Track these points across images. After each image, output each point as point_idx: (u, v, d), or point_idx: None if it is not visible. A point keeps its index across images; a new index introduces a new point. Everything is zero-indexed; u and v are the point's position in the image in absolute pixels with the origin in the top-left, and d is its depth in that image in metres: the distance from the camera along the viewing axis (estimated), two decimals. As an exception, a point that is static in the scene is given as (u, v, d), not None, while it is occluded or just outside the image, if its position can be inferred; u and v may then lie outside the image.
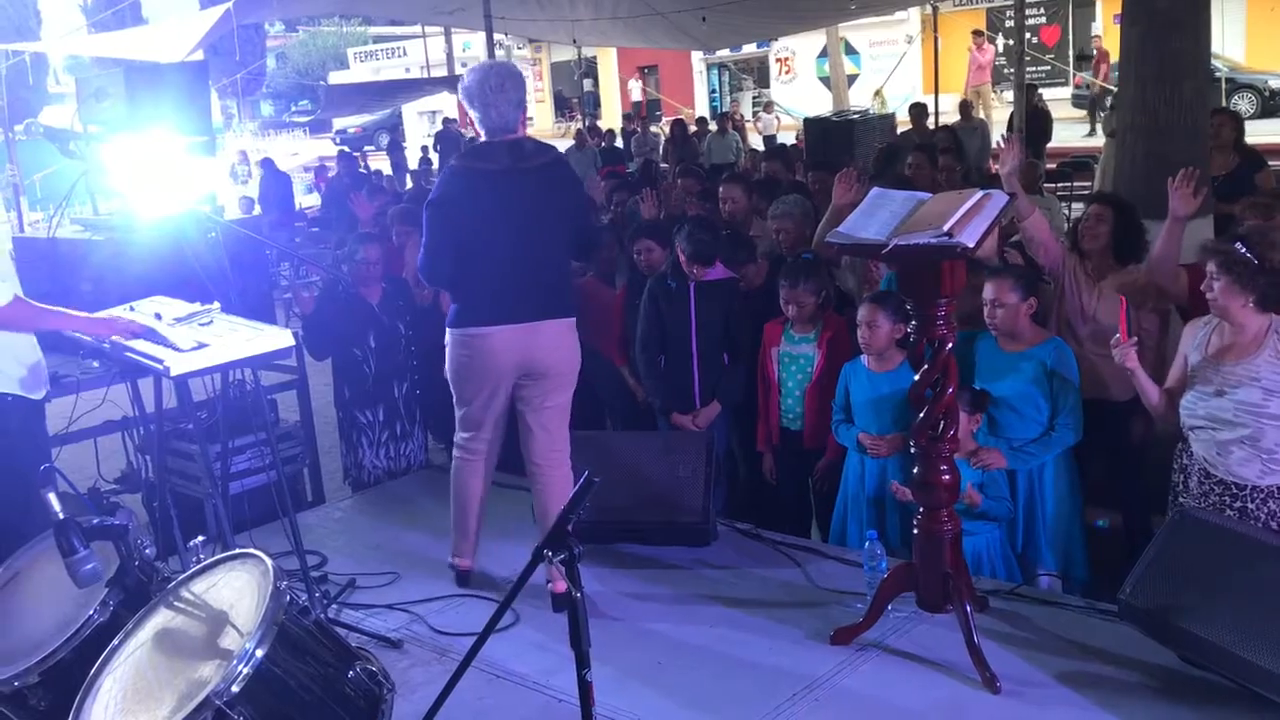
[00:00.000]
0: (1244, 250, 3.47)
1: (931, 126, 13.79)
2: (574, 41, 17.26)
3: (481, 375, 4.07)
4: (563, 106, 36.50)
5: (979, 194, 3.31)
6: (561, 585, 4.15)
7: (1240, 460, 3.57)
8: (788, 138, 17.83)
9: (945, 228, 3.17)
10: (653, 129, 19.24)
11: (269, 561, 2.27)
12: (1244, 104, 20.45)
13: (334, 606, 4.23)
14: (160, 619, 2.31)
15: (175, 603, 2.33)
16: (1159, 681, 3.34)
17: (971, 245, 3.20)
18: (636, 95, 31.67)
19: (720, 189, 6.41)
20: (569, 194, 4.10)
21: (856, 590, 3.93)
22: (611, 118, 26.94)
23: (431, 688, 3.15)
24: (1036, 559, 4.24)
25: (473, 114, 4.01)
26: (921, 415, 3.49)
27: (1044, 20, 27.57)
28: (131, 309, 4.02)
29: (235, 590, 2.25)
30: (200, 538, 2.65)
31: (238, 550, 2.39)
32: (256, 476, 5.08)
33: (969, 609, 3.48)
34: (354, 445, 5.63)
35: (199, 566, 2.41)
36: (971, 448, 4.18)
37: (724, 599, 4.09)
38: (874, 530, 3.97)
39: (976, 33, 20.91)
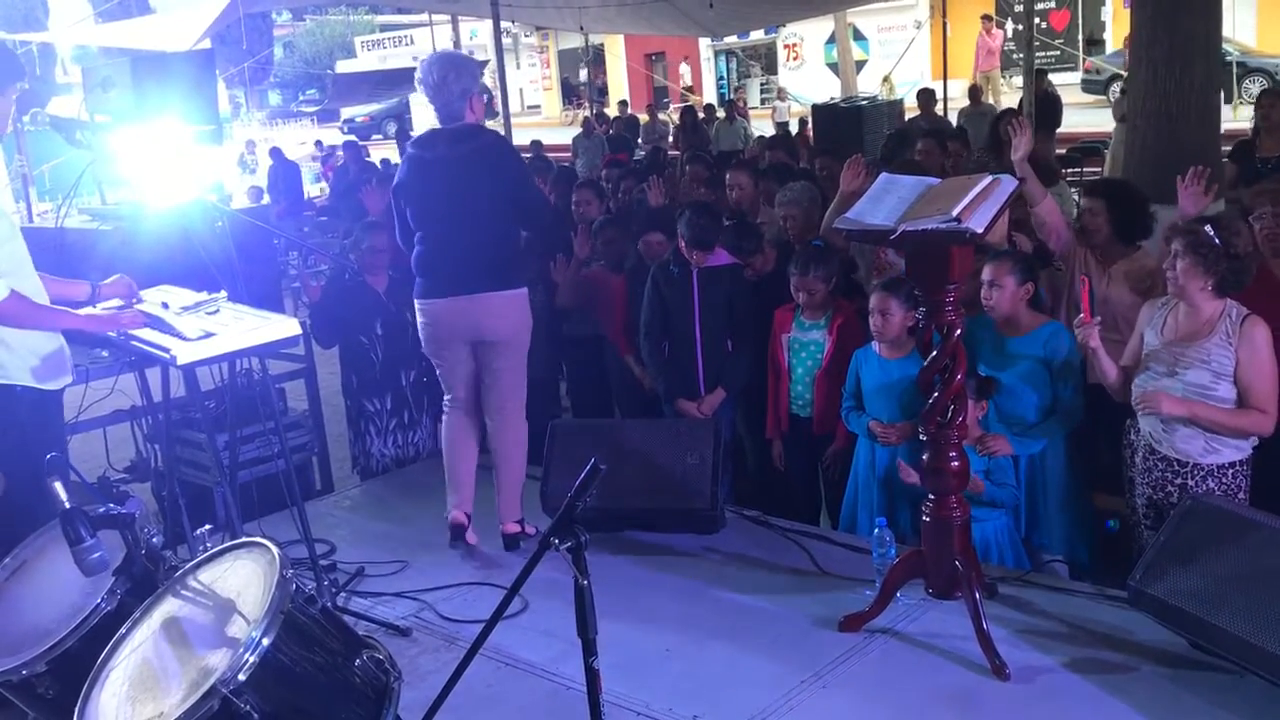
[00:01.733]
0: (1211, 234, 3.48)
1: (940, 112, 13.73)
2: (580, 29, 17.20)
3: (438, 342, 4.52)
4: (570, 94, 36.43)
5: (988, 179, 3.29)
6: (511, 527, 4.44)
7: (1185, 437, 3.65)
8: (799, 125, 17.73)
9: (954, 212, 3.15)
10: (660, 116, 19.18)
11: (275, 550, 2.26)
12: (1255, 88, 20.27)
13: (342, 595, 4.23)
14: (167, 608, 2.31)
15: (182, 591, 2.33)
16: (1168, 668, 3.33)
17: (981, 230, 3.18)
18: (688, 80, 31.77)
19: (727, 176, 6.39)
20: (500, 173, 4.31)
21: (865, 577, 3.93)
22: (617, 105, 26.83)
23: (440, 675, 3.15)
24: (1041, 543, 4.22)
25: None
26: (930, 401, 3.47)
27: (1053, 5, 27.39)
28: (139, 298, 4.02)
29: (242, 579, 2.25)
30: (207, 526, 2.65)
31: (244, 539, 2.39)
32: (264, 465, 5.09)
33: (978, 596, 3.47)
34: (362, 433, 5.63)
35: (205, 555, 2.40)
36: (977, 434, 4.16)
37: (732, 586, 4.09)
38: (883, 517, 3.96)
39: (985, 17, 20.79)
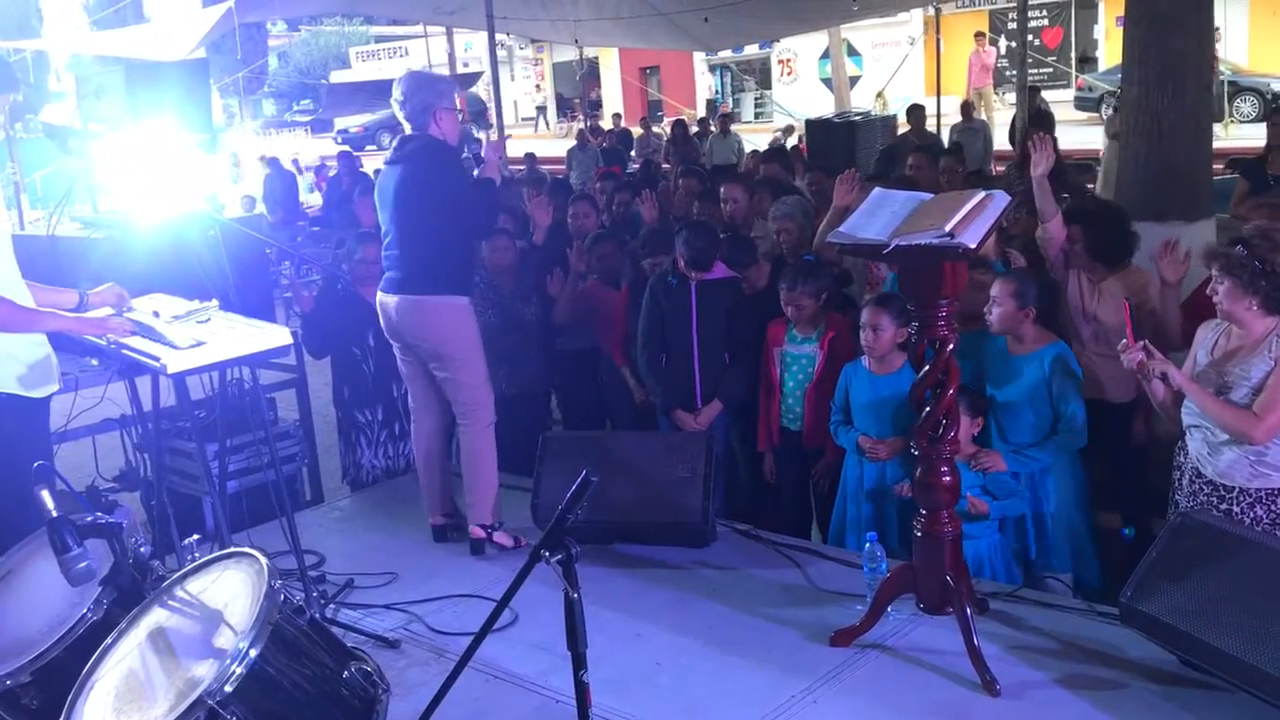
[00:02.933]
0: (1245, 253, 3.44)
1: (932, 127, 13.78)
2: (575, 42, 17.24)
3: (388, 339, 4.72)
4: (565, 107, 36.48)
5: (981, 194, 3.30)
6: (477, 531, 4.49)
7: (1230, 461, 3.55)
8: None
9: (947, 228, 3.15)
10: (654, 130, 19.21)
11: (264, 560, 2.25)
12: (1246, 107, 20.44)
13: (332, 606, 4.21)
14: (154, 618, 2.29)
15: (169, 602, 2.31)
16: (1159, 685, 3.32)
17: (973, 246, 3.18)
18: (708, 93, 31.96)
19: (721, 190, 6.39)
20: (431, 181, 4.38)
21: (856, 592, 3.92)
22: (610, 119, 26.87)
23: (429, 688, 3.13)
24: (1046, 563, 4.22)
25: None
26: (922, 416, 3.47)
27: (1046, 22, 27.55)
28: (130, 307, 4.00)
29: (230, 589, 2.23)
30: (195, 536, 2.63)
31: (232, 549, 2.37)
32: (254, 475, 5.07)
33: (969, 611, 3.47)
34: (352, 444, 5.62)
35: (193, 565, 2.39)
36: (971, 451, 4.16)
37: (723, 600, 4.07)
38: (874, 532, 3.95)
39: (979, 34, 20.89)
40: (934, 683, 3.44)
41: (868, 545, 3.84)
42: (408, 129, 4.50)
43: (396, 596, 4.26)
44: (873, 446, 4.32)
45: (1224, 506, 3.57)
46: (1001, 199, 3.35)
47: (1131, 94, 5.93)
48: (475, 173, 4.82)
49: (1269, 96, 21.28)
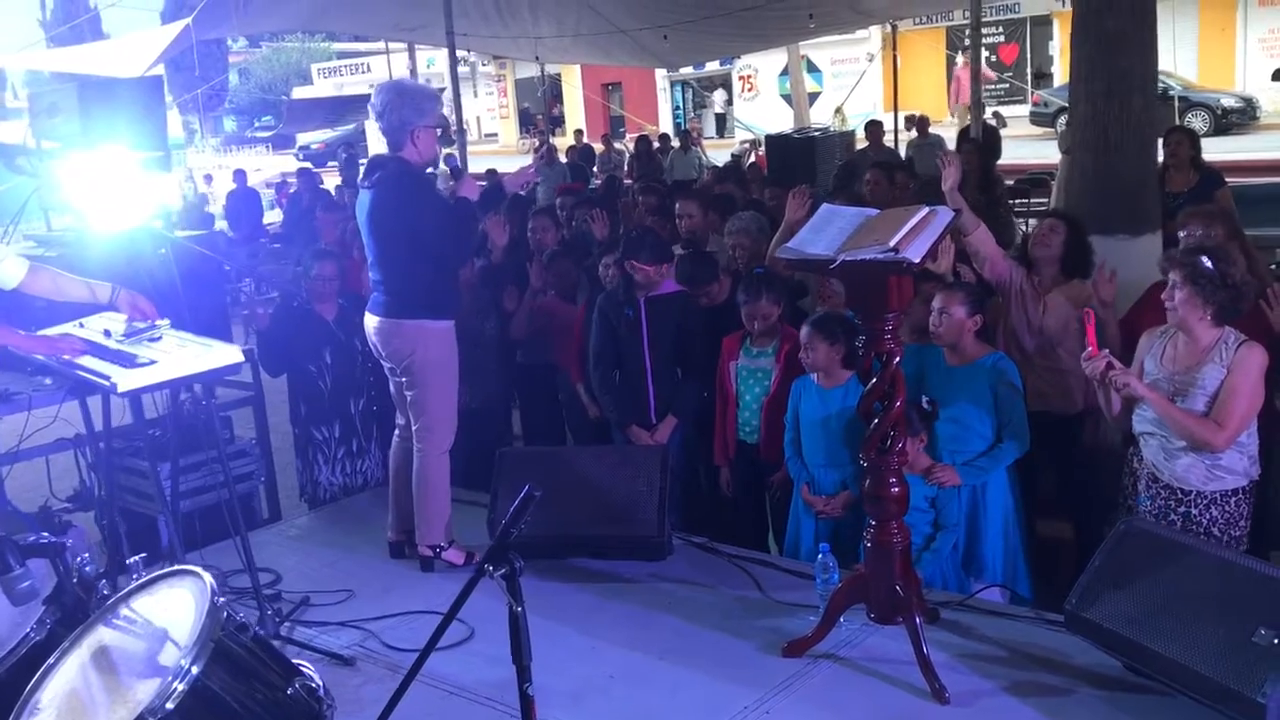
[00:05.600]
0: (1208, 263, 3.53)
1: (890, 143, 13.94)
2: (536, 58, 17.29)
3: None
4: (527, 123, 36.54)
5: (924, 210, 3.36)
6: (424, 550, 4.54)
7: (1186, 466, 3.66)
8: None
9: (891, 243, 3.21)
10: (617, 145, 19.28)
11: (207, 577, 2.25)
12: (1197, 122, 20.82)
13: (287, 624, 4.20)
14: (98, 637, 2.29)
15: (113, 620, 2.30)
16: (1104, 690, 3.38)
17: (917, 260, 3.24)
18: (719, 108, 32.01)
19: (677, 205, 6.44)
20: (404, 210, 4.36)
21: (810, 603, 3.95)
22: (574, 135, 26.93)
23: (383, 705, 3.13)
24: (980, 572, 4.27)
25: None
26: (871, 428, 3.52)
27: (1002, 39, 27.94)
28: (81, 325, 3.99)
29: (174, 607, 2.23)
30: (141, 555, 2.63)
31: (178, 566, 2.37)
32: (209, 494, 5.04)
33: (919, 620, 3.51)
34: (310, 462, 5.60)
35: (138, 583, 2.38)
36: (926, 464, 4.21)
37: (678, 612, 4.09)
38: (826, 543, 3.99)
39: (965, 50, 21.17)
40: (884, 691, 3.48)
41: (820, 556, 3.88)
42: (383, 144, 4.46)
43: (352, 614, 4.26)
44: (826, 505, 4.39)
45: (1182, 509, 3.69)
46: (945, 215, 3.42)
47: (1078, 110, 6.04)
48: (450, 185, 4.81)
49: (1218, 111, 21.74)
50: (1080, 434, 4.80)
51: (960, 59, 10.28)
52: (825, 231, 3.45)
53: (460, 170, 4.90)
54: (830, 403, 4.39)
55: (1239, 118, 21.92)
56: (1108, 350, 3.69)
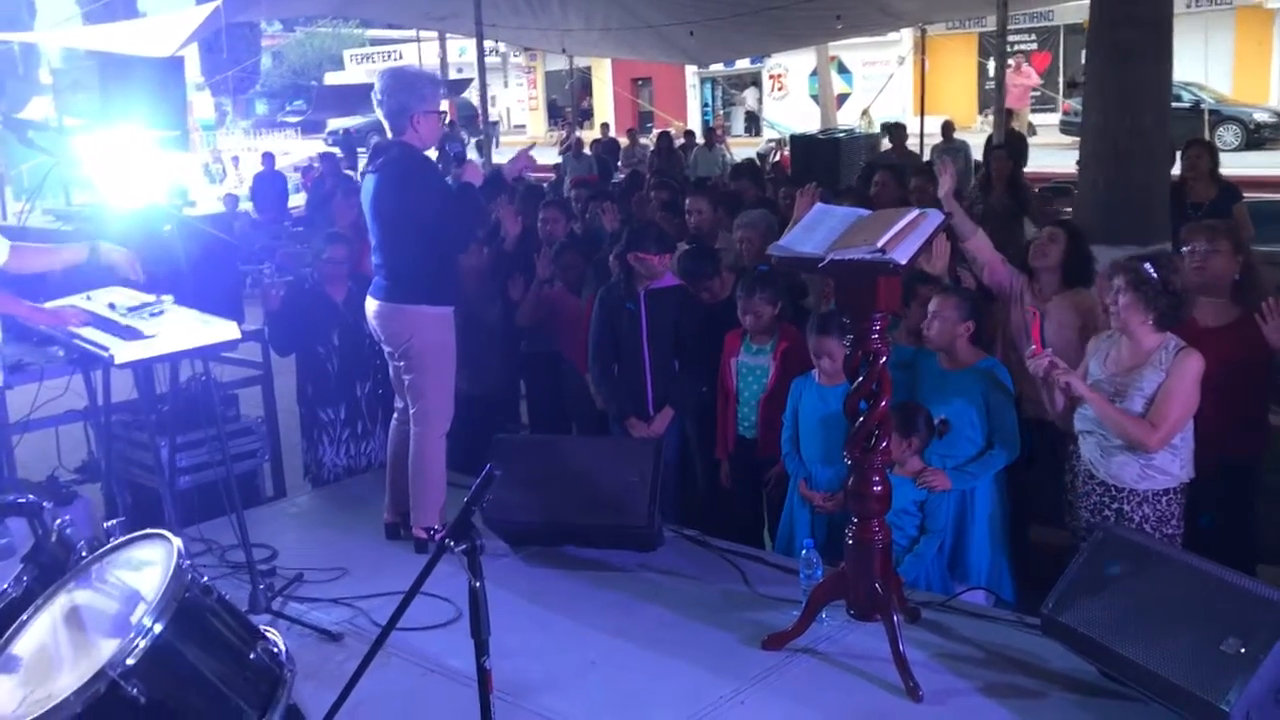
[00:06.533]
0: (1151, 270, 3.63)
1: (916, 146, 13.91)
2: (564, 50, 17.35)
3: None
4: (556, 115, 36.62)
5: (914, 212, 3.39)
6: (418, 533, 4.59)
7: (1121, 464, 3.80)
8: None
9: (879, 244, 3.25)
10: (642, 140, 19.31)
11: (176, 541, 2.32)
12: (1229, 135, 20.68)
13: (279, 599, 4.27)
14: (71, 596, 2.36)
15: (88, 580, 2.38)
16: (1077, 694, 3.41)
17: (904, 262, 3.27)
18: (750, 104, 32.05)
19: (687, 201, 6.48)
20: (406, 195, 4.42)
21: (795, 598, 3.98)
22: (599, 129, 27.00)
23: (367, 680, 3.20)
24: (965, 576, 4.30)
25: None
26: (855, 426, 3.56)
27: (1035, 47, 27.78)
28: (89, 298, 4.07)
29: (146, 568, 2.30)
30: (117, 519, 2.70)
31: (149, 530, 2.44)
32: (211, 470, 5.12)
33: (897, 618, 3.55)
34: (315, 442, 5.67)
35: (113, 545, 2.45)
36: (918, 467, 4.24)
37: (663, 602, 4.14)
38: (811, 539, 4.03)
39: (1019, 54, 21.15)
40: (859, 687, 3.52)
41: (804, 551, 3.92)
42: (387, 129, 4.54)
43: (344, 591, 4.33)
44: (824, 502, 4.41)
45: (1115, 506, 3.84)
46: (935, 217, 3.45)
47: (1091, 120, 6.06)
48: (455, 172, 4.87)
49: (1251, 126, 21.54)
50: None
51: (1010, 62, 10.28)
52: (817, 230, 3.49)
53: (464, 156, 4.96)
54: (831, 401, 4.41)
55: (1271, 132, 21.71)
56: (1050, 349, 3.81)
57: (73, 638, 2.23)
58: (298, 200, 17.45)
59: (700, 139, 17.89)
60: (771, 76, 32.63)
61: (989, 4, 12.80)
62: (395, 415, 4.87)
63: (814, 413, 4.50)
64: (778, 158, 17.28)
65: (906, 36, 26.14)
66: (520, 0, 13.98)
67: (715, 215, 6.28)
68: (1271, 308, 4.00)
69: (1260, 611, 2.94)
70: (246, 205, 15.20)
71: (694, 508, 5.35)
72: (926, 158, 13.62)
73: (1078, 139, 21.96)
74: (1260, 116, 22.27)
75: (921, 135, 15.98)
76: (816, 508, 4.46)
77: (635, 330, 5.07)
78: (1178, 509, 3.82)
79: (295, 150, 25.46)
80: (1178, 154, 6.98)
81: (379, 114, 4.49)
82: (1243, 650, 2.90)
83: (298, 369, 5.74)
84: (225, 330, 3.62)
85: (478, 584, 2.35)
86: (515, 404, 6.73)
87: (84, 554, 2.42)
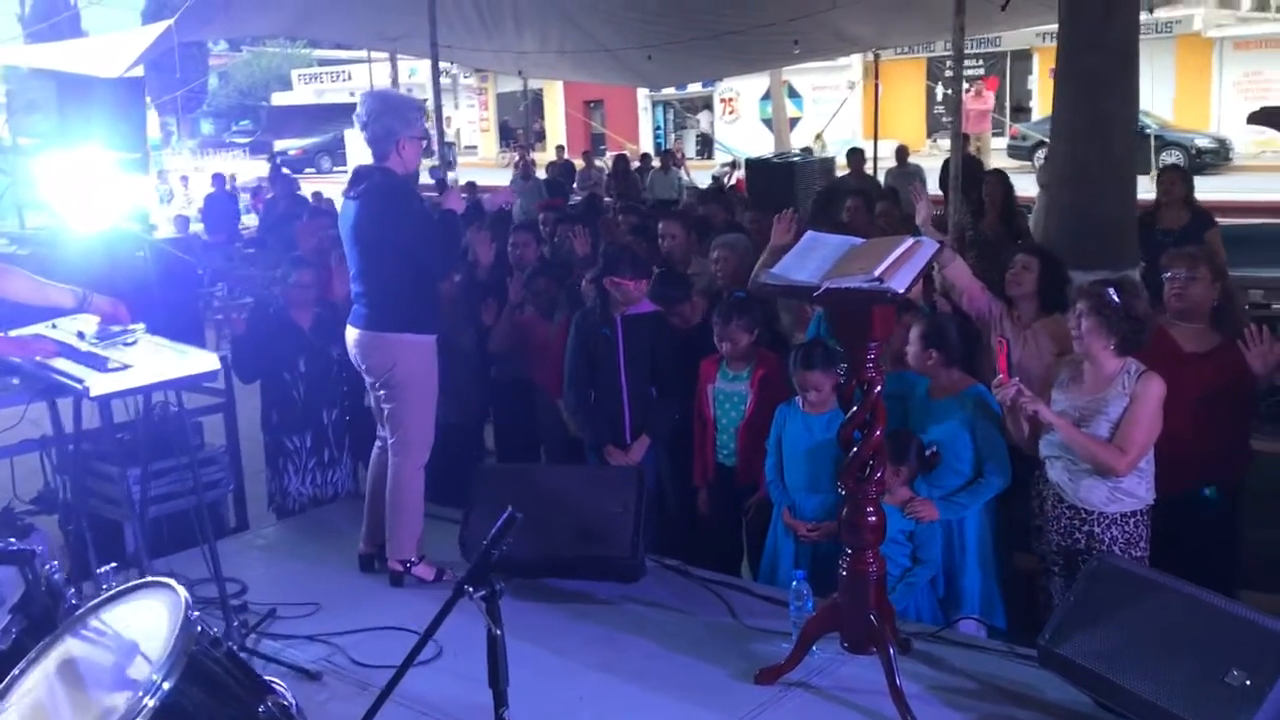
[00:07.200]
0: (1113, 295, 3.68)
1: (870, 171, 14.03)
2: (520, 73, 17.29)
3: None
4: (508, 137, 36.56)
5: (909, 241, 3.37)
6: (394, 565, 4.52)
7: (1089, 488, 3.85)
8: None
9: (876, 273, 3.22)
10: (596, 163, 19.31)
11: (181, 591, 2.20)
12: (1171, 159, 21.07)
13: (253, 636, 4.14)
14: (66, 648, 2.23)
15: (82, 632, 2.25)
16: (1075, 726, 3.38)
17: (901, 290, 3.24)
18: (704, 127, 32.07)
19: (660, 225, 6.44)
20: (387, 222, 4.34)
21: (783, 629, 3.93)
22: (554, 151, 27.00)
23: (349, 724, 3.10)
24: (958, 604, 4.27)
25: None
26: (850, 457, 3.51)
27: (983, 72, 28.21)
28: (54, 326, 3.93)
29: (146, 619, 2.18)
30: (111, 565, 2.57)
31: (150, 578, 2.32)
32: (176, 501, 4.97)
33: (892, 651, 3.50)
34: (280, 471, 5.54)
35: (108, 594, 2.33)
36: (905, 496, 4.21)
37: (650, 636, 4.07)
38: (802, 570, 3.98)
39: (975, 79, 21.41)
40: (856, 721, 3.47)
41: (795, 583, 3.87)
42: (368, 154, 4.45)
43: (319, 627, 4.20)
44: (808, 532, 4.36)
45: (1085, 529, 3.88)
46: (929, 245, 3.42)
47: (1060, 148, 6.10)
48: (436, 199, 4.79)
49: (1192, 151, 22.05)
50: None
51: (968, 86, 10.30)
52: (810, 258, 3.45)
53: (444, 182, 4.87)
54: (816, 429, 4.38)
55: (1212, 158, 22.24)
56: (1017, 378, 3.84)
57: (71, 694, 2.10)
58: (248, 221, 17.23)
59: (656, 162, 17.92)
60: (723, 100, 32.84)
61: (942, 29, 12.94)
62: (377, 444, 4.75)
63: (798, 441, 4.46)
64: (733, 180, 17.36)
65: (856, 61, 26.49)
66: (475, 22, 13.89)
67: (688, 240, 6.24)
68: (1255, 335, 4.03)
69: (1265, 643, 2.94)
70: (197, 226, 14.95)
71: (670, 536, 5.28)
72: (882, 181, 13.75)
73: (1025, 162, 22.38)
74: (1201, 142, 22.83)
75: (875, 159, 16.12)
76: (800, 537, 4.42)
77: (612, 356, 5.00)
78: (1145, 530, 3.88)
79: (243, 170, 25.13)
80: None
81: (357, 135, 4.39)
82: (1248, 683, 2.89)
83: (262, 396, 5.60)
84: (203, 361, 3.51)
85: (498, 632, 2.25)
86: (480, 431, 6.63)
87: (74, 601, 2.30)
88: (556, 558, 4.46)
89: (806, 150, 18.28)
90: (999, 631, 4.21)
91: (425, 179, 4.96)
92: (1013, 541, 4.65)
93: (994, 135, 24.41)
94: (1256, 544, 4.48)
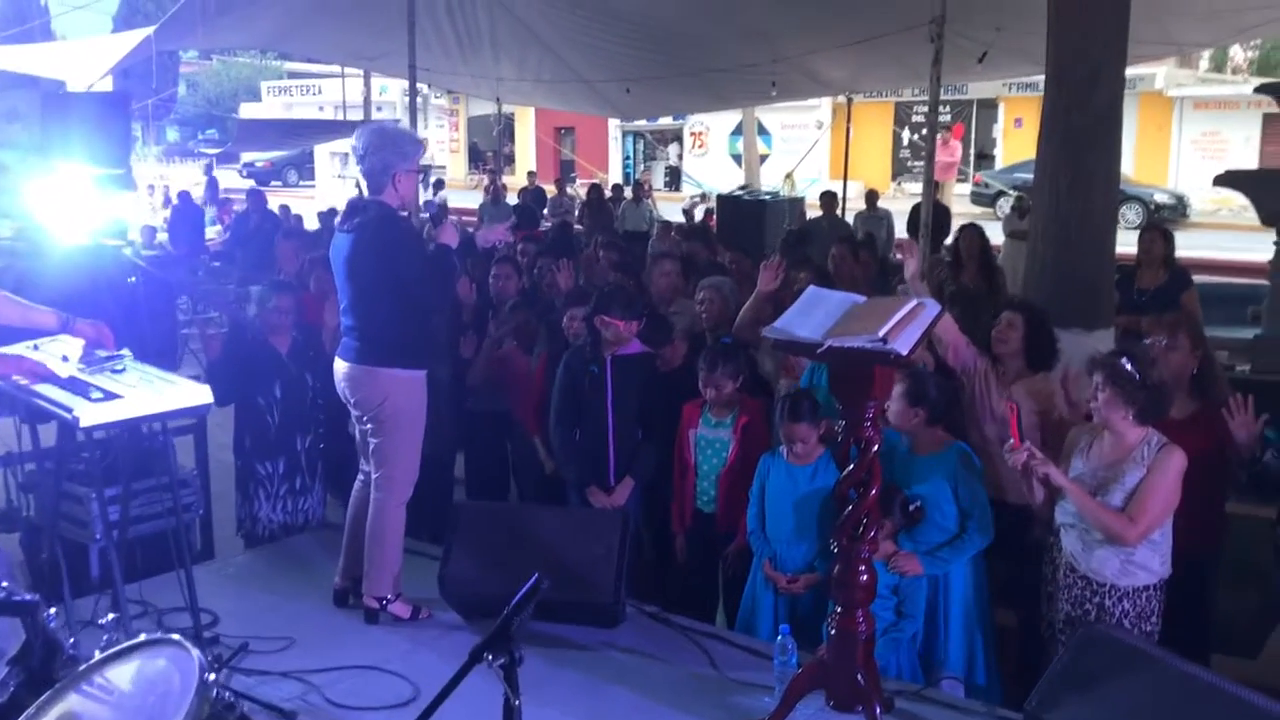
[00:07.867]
0: (1129, 365, 3.69)
1: (839, 213, 14.13)
2: (496, 99, 17.30)
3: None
4: (477, 159, 36.52)
5: (914, 302, 3.38)
6: (370, 602, 4.45)
7: (1102, 559, 3.83)
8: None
9: (880, 333, 3.22)
10: (568, 190, 19.31)
11: (195, 652, 2.14)
12: (1131, 214, 21.47)
13: (225, 671, 4.03)
14: (68, 704, 2.15)
15: (85, 688, 2.17)
16: (1059, 793, 3.38)
17: (905, 352, 3.25)
18: (673, 159, 32.09)
19: (663, 264, 6.44)
20: (384, 257, 4.31)
21: (763, 682, 3.90)
22: (525, 176, 26.99)
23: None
24: (940, 662, 4.27)
25: None
26: (845, 514, 3.51)
27: (948, 118, 28.60)
28: (36, 347, 3.83)
29: (153, 680, 2.11)
30: (111, 616, 2.49)
31: (159, 636, 2.25)
32: (145, 525, 4.85)
33: (879, 710, 3.48)
34: (250, 496, 5.45)
35: (115, 651, 2.25)
36: (890, 551, 4.20)
37: (631, 686, 4.02)
38: (786, 624, 3.96)
39: (945, 127, 21.67)
40: (841, 781, 3.45)
41: (780, 638, 3.84)
42: (364, 186, 4.42)
43: (293, 664, 4.11)
44: (787, 585, 4.36)
45: (1096, 600, 3.84)
46: (932, 308, 3.44)
47: (1042, 204, 6.17)
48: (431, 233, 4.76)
49: (1151, 206, 22.48)
50: (1029, 526, 4.83)
51: (931, 133, 10.35)
52: (812, 315, 3.45)
53: (440, 216, 4.84)
54: (799, 480, 4.38)
55: (1170, 214, 22.64)
56: (1029, 443, 3.85)
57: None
58: (212, 234, 17.03)
59: (628, 193, 17.96)
60: (693, 134, 33.06)
61: (916, 76, 13.10)
62: (360, 477, 4.69)
63: (782, 492, 4.45)
64: (701, 214, 17.44)
65: (825, 103, 26.76)
66: (453, 46, 13.90)
67: (680, 279, 6.23)
68: (1239, 405, 4.08)
69: (1257, 721, 2.95)
70: (163, 237, 14.75)
71: (645, 581, 5.24)
72: (851, 223, 13.86)
73: (987, 209, 22.65)
74: (1160, 197, 23.30)
75: (844, 201, 16.26)
76: (780, 589, 4.41)
77: (599, 396, 4.97)
78: (1158, 605, 3.84)
79: (221, 179, 24.82)
80: (1122, 232, 7.13)
81: (356, 170, 4.35)
82: (1238, 758, 2.90)
83: (236, 420, 5.51)
84: (198, 394, 3.43)
85: (516, 702, 2.21)
86: (451, 464, 6.56)
87: (71, 653, 2.21)
88: (537, 600, 4.39)
89: (774, 192, 18.40)
90: (979, 689, 4.21)
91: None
92: (996, 598, 4.68)
93: (958, 181, 24.74)
94: (1228, 610, 4.53)
